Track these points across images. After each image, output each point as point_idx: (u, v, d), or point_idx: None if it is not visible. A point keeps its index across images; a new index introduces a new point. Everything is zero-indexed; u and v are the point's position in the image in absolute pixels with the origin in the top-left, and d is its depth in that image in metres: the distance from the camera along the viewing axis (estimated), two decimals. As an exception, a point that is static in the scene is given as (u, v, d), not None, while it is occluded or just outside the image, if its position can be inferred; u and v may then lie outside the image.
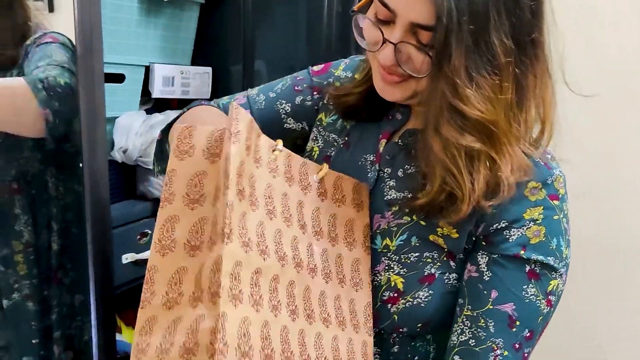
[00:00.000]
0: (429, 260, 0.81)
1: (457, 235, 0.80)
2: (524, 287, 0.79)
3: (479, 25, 0.70)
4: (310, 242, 0.74)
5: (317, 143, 0.95)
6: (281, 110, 0.96)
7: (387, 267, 0.80)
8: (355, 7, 0.82)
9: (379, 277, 0.81)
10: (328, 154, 0.92)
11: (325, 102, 0.97)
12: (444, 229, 0.80)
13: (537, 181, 0.78)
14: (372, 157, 0.88)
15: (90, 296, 1.19)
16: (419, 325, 0.81)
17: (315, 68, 1.01)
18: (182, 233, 0.65)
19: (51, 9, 1.65)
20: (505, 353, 0.78)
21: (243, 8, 1.47)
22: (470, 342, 0.80)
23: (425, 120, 0.76)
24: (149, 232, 1.48)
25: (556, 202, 0.79)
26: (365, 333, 0.78)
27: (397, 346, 0.83)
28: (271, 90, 0.98)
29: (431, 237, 0.81)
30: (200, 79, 1.54)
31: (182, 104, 1.59)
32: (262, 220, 0.67)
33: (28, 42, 1.20)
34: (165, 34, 1.44)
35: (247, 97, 0.99)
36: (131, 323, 1.66)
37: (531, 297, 0.79)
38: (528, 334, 0.79)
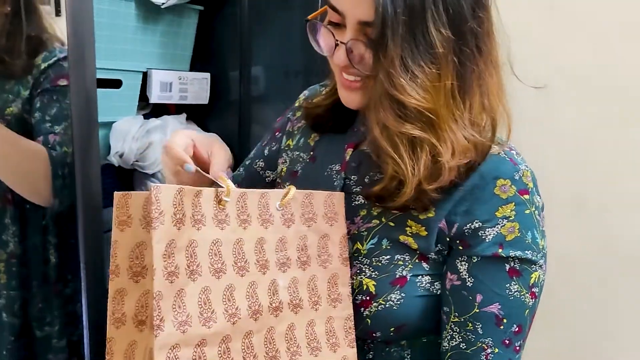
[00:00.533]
0: (400, 262, 0.84)
1: (426, 233, 0.84)
2: (507, 285, 0.82)
3: (415, 16, 0.74)
4: (273, 279, 0.75)
5: (285, 164, 1.01)
6: (258, 169, 1.05)
7: (358, 271, 0.84)
8: (309, 16, 0.87)
9: (352, 281, 0.84)
10: (295, 169, 0.98)
11: (290, 129, 1.04)
12: (413, 227, 0.84)
13: (505, 178, 0.82)
14: (337, 167, 0.93)
15: (82, 302, 1.24)
16: (392, 329, 0.84)
17: (279, 118, 1.11)
18: (130, 307, 0.69)
19: (58, 12, 1.72)
20: (496, 350, 0.82)
21: (240, 14, 1.52)
22: (461, 346, 0.84)
23: (368, 111, 0.80)
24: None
25: (526, 197, 0.83)
26: (346, 347, 0.82)
27: (371, 352, 0.87)
28: (249, 159, 1.09)
29: (401, 238, 0.84)
30: (198, 84, 1.59)
31: (180, 110, 1.64)
32: (206, 285, 0.68)
33: (41, 58, 1.25)
34: (164, 40, 1.49)
35: (232, 176, 1.07)
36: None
37: (515, 293, 0.82)
38: (517, 329, 0.83)
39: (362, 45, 0.79)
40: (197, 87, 1.59)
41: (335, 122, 0.97)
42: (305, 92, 1.09)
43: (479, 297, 0.83)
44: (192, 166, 0.78)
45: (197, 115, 1.67)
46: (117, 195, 0.70)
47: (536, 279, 0.84)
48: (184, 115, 1.62)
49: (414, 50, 0.75)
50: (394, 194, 0.81)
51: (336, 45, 0.81)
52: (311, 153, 0.99)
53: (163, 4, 1.38)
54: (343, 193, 0.83)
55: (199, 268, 0.67)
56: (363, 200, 0.88)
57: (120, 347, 0.69)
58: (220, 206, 0.71)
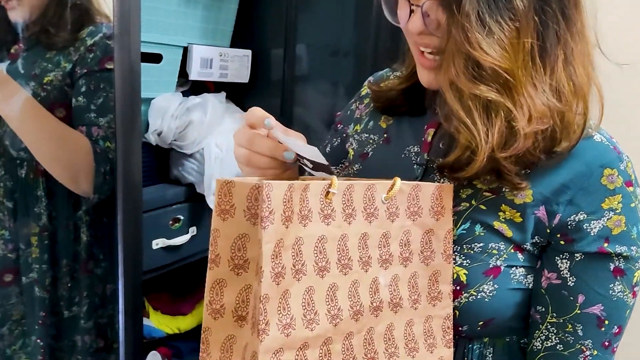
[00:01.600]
0: (494, 251, 0.83)
1: (521, 220, 0.82)
2: (611, 285, 0.81)
3: None
4: (375, 277, 0.76)
5: (352, 146, 1.01)
6: None
7: None
8: None
9: None
10: (365, 151, 0.97)
11: (359, 115, 1.05)
12: (507, 212, 0.83)
13: (612, 167, 0.80)
14: (416, 149, 0.92)
15: (118, 282, 1.27)
16: (480, 323, 0.84)
17: (339, 112, 1.12)
18: (230, 300, 0.70)
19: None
20: (595, 352, 0.82)
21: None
22: (557, 347, 0.84)
23: (441, 72, 0.78)
24: (181, 217, 1.55)
25: (631, 189, 0.81)
26: (443, 347, 0.82)
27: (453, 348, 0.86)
28: None
29: (495, 225, 0.83)
30: (239, 61, 1.60)
31: (219, 87, 1.65)
32: (310, 285, 0.69)
33: (87, 32, 1.27)
34: (205, 14, 1.50)
35: None
36: (159, 307, 1.74)
37: (618, 294, 0.81)
38: (617, 330, 0.82)
39: (439, 6, 0.78)
40: (237, 65, 1.60)
41: (411, 106, 0.96)
42: (370, 79, 1.09)
43: (580, 298, 0.82)
44: (272, 120, 0.77)
45: (236, 94, 1.68)
46: (219, 182, 0.71)
47: (638, 278, 0.83)
48: (223, 94, 1.63)
49: (491, 5, 0.74)
50: (465, 164, 0.80)
51: (411, 11, 0.80)
52: (384, 135, 0.98)
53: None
54: (452, 185, 0.82)
55: (304, 267, 0.68)
56: (449, 182, 0.86)
57: (217, 339, 0.70)
58: (327, 200, 0.71)
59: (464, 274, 0.82)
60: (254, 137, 0.79)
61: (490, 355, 0.87)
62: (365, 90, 1.07)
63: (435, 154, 0.90)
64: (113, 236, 1.38)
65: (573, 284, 0.82)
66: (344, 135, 1.06)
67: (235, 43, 1.63)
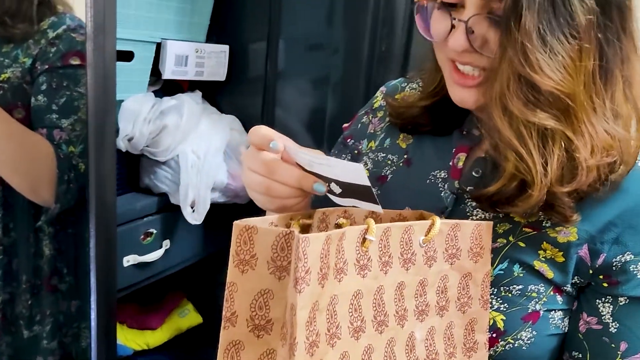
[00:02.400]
0: (533, 294, 0.79)
1: (563, 260, 0.78)
2: None
3: None
4: (411, 333, 0.72)
5: (367, 166, 0.94)
6: None
7: None
8: None
9: None
10: (383, 173, 0.91)
11: (372, 130, 0.99)
12: (548, 251, 0.78)
13: None
14: (443, 174, 0.87)
15: (91, 302, 1.20)
16: None
17: (345, 125, 1.05)
18: None
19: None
20: None
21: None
22: None
23: (490, 96, 0.73)
24: (154, 231, 1.48)
25: None
26: None
27: None
28: None
29: (536, 265, 0.79)
30: (216, 58, 1.52)
31: (193, 86, 1.58)
32: (345, 350, 0.65)
33: (48, 23, 1.19)
34: (180, 6, 1.42)
35: None
36: (124, 320, 1.67)
37: None
38: None
39: (486, 21, 0.72)
40: (214, 62, 1.52)
41: (435, 125, 0.91)
42: (383, 89, 1.03)
43: (623, 346, 0.79)
44: (279, 143, 0.70)
45: (212, 93, 1.60)
46: (238, 226, 0.64)
47: None
48: (199, 94, 1.55)
49: (553, 22, 0.69)
50: (514, 198, 0.75)
51: (452, 27, 0.74)
52: (405, 156, 0.92)
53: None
54: (491, 222, 0.76)
55: (338, 330, 0.64)
56: (483, 215, 0.82)
57: None
58: (364, 248, 0.66)
59: (502, 319, 0.78)
60: (274, 164, 0.71)
61: None
62: (378, 102, 1.01)
63: (467, 182, 0.84)
64: (78, 249, 1.31)
65: (616, 330, 0.78)
66: (356, 152, 1.00)
67: (209, 37, 1.56)
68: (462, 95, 0.78)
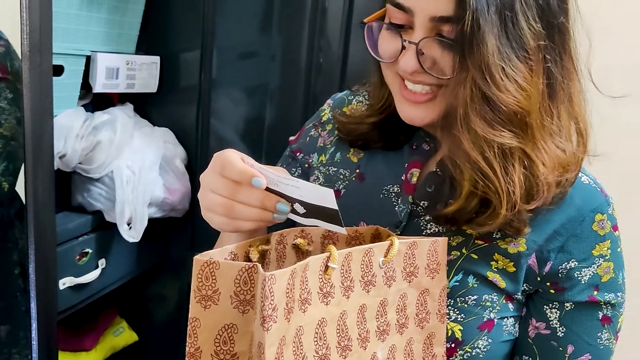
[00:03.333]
0: (488, 303, 0.83)
1: (514, 270, 0.83)
2: (599, 334, 0.84)
3: (506, 6, 0.73)
4: (373, 353, 0.74)
5: (318, 180, 0.97)
6: None
7: None
8: (367, 19, 0.84)
9: None
10: (336, 188, 0.94)
11: (322, 144, 1.01)
12: (500, 262, 0.83)
13: (603, 212, 0.82)
14: (396, 189, 0.91)
15: (31, 327, 1.17)
16: None
17: (292, 137, 1.06)
18: None
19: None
20: None
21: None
22: None
23: (452, 116, 0.77)
24: (89, 250, 1.45)
25: (617, 233, 0.84)
26: None
27: None
28: None
29: (489, 275, 0.83)
30: (147, 69, 1.51)
31: (123, 99, 1.56)
32: None
33: None
34: (110, 18, 1.40)
35: None
36: (57, 344, 1.61)
37: (605, 342, 0.84)
38: None
39: (436, 43, 0.77)
40: (145, 73, 1.51)
41: (386, 140, 0.94)
42: (330, 102, 1.06)
43: (570, 349, 0.84)
44: (262, 179, 0.69)
45: (143, 105, 1.59)
46: (198, 262, 0.64)
47: (621, 323, 0.86)
48: (130, 107, 1.53)
49: (507, 45, 0.74)
50: (478, 215, 0.79)
51: (403, 48, 0.78)
52: (357, 171, 0.94)
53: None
54: (446, 239, 0.79)
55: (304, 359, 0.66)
56: (437, 229, 0.85)
57: None
58: (327, 276, 0.67)
59: (459, 329, 0.82)
60: (237, 185, 0.71)
61: None
62: (326, 115, 1.04)
63: (421, 197, 0.88)
64: (5, 271, 1.27)
65: (563, 334, 0.84)
66: (306, 165, 1.02)
67: (139, 48, 1.54)
68: (411, 113, 0.82)
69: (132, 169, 1.45)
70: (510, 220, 0.78)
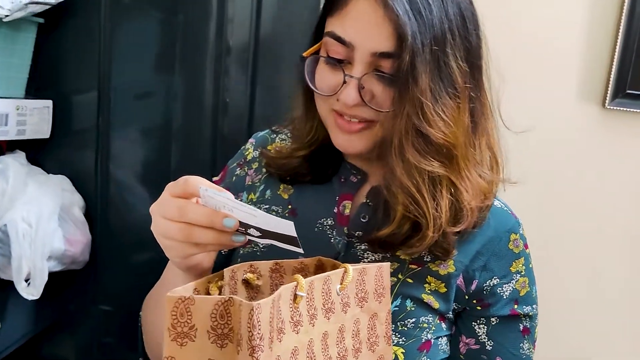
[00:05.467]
0: (425, 325, 0.90)
1: (445, 290, 0.90)
2: (521, 345, 0.93)
3: (439, 47, 0.81)
4: None
5: None
6: None
7: None
8: (305, 53, 0.89)
9: None
10: None
11: (250, 182, 1.06)
12: (432, 284, 0.90)
13: (516, 232, 0.93)
14: (330, 221, 0.97)
15: None
16: None
17: (215, 178, 1.11)
18: None
19: None
20: None
21: (99, 25, 1.42)
22: None
23: (386, 146, 0.85)
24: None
25: (528, 250, 0.95)
26: None
27: None
28: None
29: (424, 298, 0.90)
30: (39, 114, 1.46)
31: (14, 146, 1.49)
32: None
33: None
34: (-3, 61, 1.35)
35: None
36: None
37: (527, 351, 0.93)
38: None
39: (374, 78, 0.84)
40: (37, 119, 1.45)
41: (315, 174, 0.98)
42: (252, 141, 1.10)
43: None
44: (234, 220, 0.72)
45: (36, 153, 1.53)
46: (171, 299, 0.64)
47: (537, 334, 0.96)
48: (22, 155, 1.47)
49: (439, 83, 0.82)
50: (408, 239, 0.86)
51: (344, 82, 0.84)
52: (289, 207, 0.99)
53: (6, 16, 1.25)
54: (389, 263, 0.84)
55: None
56: (373, 257, 0.92)
57: None
58: (296, 305, 0.70)
59: (402, 352, 0.88)
60: (186, 205, 0.74)
61: None
62: (250, 153, 1.07)
63: (355, 228, 0.94)
64: None
65: (491, 347, 0.92)
66: None
67: (28, 92, 1.48)
68: (345, 143, 0.89)
69: (29, 221, 1.38)
70: (439, 242, 0.86)
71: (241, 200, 1.03)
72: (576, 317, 1.67)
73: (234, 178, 1.08)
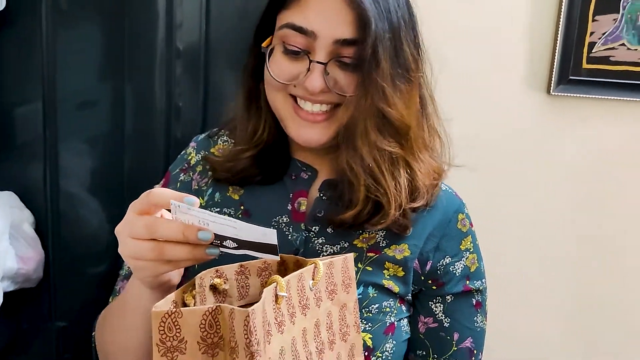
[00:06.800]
0: (387, 309, 0.95)
1: (403, 274, 0.97)
2: (475, 318, 1.00)
3: (395, 34, 0.88)
4: None
5: None
6: None
7: None
8: (264, 43, 0.95)
9: None
10: None
11: (197, 186, 1.08)
12: (390, 269, 0.96)
13: (462, 212, 1.01)
14: (285, 219, 1.00)
15: None
16: None
17: (158, 185, 1.12)
18: None
19: None
20: None
21: (41, 32, 1.38)
22: None
23: (350, 131, 0.90)
24: None
25: (473, 229, 1.02)
26: None
27: None
28: None
29: (385, 283, 0.96)
30: (-20, 128, 1.42)
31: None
32: None
33: None
34: None
35: (122, 279, 1.07)
36: None
37: (480, 324, 1.01)
38: (480, 357, 1.02)
39: (338, 66, 0.90)
40: (-22, 133, 1.42)
41: (265, 173, 1.01)
42: (193, 145, 1.13)
43: (455, 336, 1.00)
44: (194, 198, 0.73)
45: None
46: (158, 314, 0.65)
47: (487, 306, 1.04)
48: (-35, 173, 1.43)
49: (397, 68, 0.88)
50: (371, 217, 0.92)
51: (308, 70, 0.89)
52: (241, 207, 1.01)
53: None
54: (352, 254, 0.88)
55: None
56: (332, 249, 0.96)
57: None
58: (278, 305, 0.72)
59: (369, 338, 0.93)
60: (155, 222, 0.73)
61: None
62: (193, 158, 1.10)
63: (312, 223, 0.99)
64: None
65: (448, 324, 0.99)
66: None
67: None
68: (307, 134, 0.93)
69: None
70: (398, 219, 0.93)
71: None
72: (523, 302, 1.74)
73: (179, 184, 1.10)
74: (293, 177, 1.02)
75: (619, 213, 1.69)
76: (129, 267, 1.02)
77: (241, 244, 0.74)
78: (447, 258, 0.99)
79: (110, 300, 1.14)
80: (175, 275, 0.83)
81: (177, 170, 1.12)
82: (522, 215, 1.69)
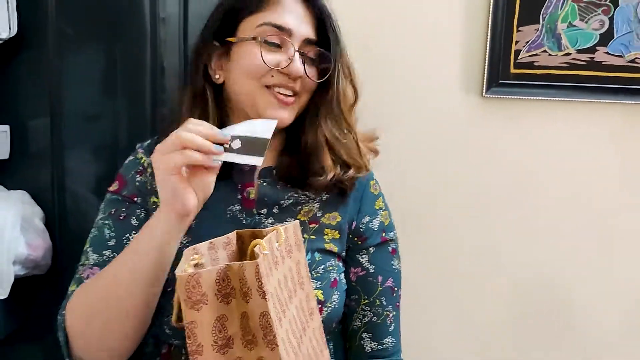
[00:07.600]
0: (331, 267, 1.18)
1: (339, 236, 1.20)
2: (392, 262, 1.24)
3: (340, 33, 1.17)
4: (292, 313, 0.97)
5: None
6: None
7: None
8: (253, 35, 1.14)
9: None
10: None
11: (149, 186, 1.21)
12: (329, 234, 1.20)
13: (372, 179, 1.26)
14: (237, 207, 1.21)
15: None
16: (334, 325, 1.19)
17: (112, 187, 1.25)
18: None
19: None
20: (394, 312, 1.22)
21: (48, 55, 1.65)
22: (373, 319, 1.22)
23: (312, 112, 1.17)
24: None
25: (381, 190, 1.27)
26: (325, 349, 1.06)
27: None
28: (104, 241, 1.18)
29: (327, 247, 1.19)
30: (-3, 139, 1.67)
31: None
32: (290, 319, 0.91)
33: None
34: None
35: (90, 266, 1.18)
36: None
37: (397, 266, 1.24)
38: (400, 292, 1.25)
39: (308, 60, 1.15)
40: (-4, 143, 1.66)
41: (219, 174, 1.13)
42: (141, 150, 1.28)
43: (379, 278, 1.23)
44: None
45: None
46: (182, 278, 0.82)
47: (399, 252, 1.27)
48: (-17, 175, 1.68)
49: (346, 61, 1.17)
50: (341, 178, 1.17)
51: (292, 57, 1.11)
52: None
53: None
54: (298, 221, 1.08)
55: (284, 308, 0.90)
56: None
57: None
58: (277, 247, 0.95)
59: (321, 293, 1.15)
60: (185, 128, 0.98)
61: (332, 347, 1.22)
62: (144, 160, 1.25)
63: (261, 207, 1.20)
64: None
65: (373, 270, 1.22)
66: (147, 207, 1.21)
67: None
68: (283, 115, 1.15)
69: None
70: (340, 180, 1.16)
71: (148, 203, 1.21)
72: (459, 293, 1.89)
73: (137, 184, 1.24)
74: (240, 170, 1.22)
75: (546, 205, 1.84)
76: (96, 257, 1.18)
77: (244, 142, 0.97)
78: (366, 217, 1.23)
79: (71, 289, 1.24)
80: (192, 199, 1.00)
81: (132, 172, 1.25)
82: (460, 209, 1.84)
